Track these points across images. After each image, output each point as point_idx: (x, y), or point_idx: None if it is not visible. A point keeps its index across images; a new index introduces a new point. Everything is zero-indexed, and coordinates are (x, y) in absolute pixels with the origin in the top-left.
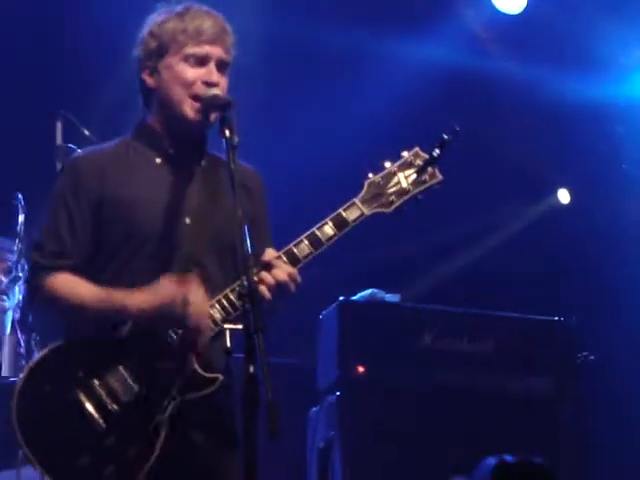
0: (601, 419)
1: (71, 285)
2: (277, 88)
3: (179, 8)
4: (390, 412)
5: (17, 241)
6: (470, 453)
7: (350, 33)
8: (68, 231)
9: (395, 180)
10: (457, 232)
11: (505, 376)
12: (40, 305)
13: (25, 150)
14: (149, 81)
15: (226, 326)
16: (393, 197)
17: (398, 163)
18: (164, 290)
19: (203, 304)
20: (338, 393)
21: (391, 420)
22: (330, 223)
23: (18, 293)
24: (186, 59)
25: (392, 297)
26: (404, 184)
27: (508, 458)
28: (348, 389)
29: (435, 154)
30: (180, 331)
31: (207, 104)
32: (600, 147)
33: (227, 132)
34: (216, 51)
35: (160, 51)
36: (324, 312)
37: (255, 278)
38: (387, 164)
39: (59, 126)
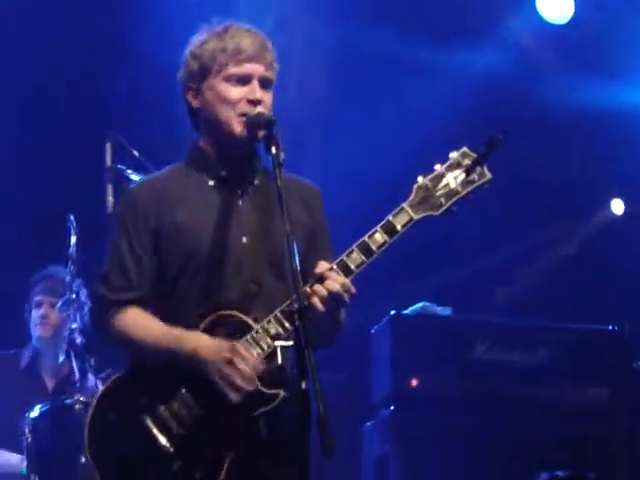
0: None
1: (142, 324)
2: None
3: (219, 28)
4: (444, 425)
5: (69, 263)
6: (525, 465)
7: (397, 43)
8: (132, 262)
9: (444, 182)
10: (509, 245)
11: (559, 386)
12: (112, 343)
13: (75, 172)
14: (194, 102)
15: (277, 343)
16: (442, 199)
17: (446, 164)
18: (224, 347)
19: (253, 375)
20: (392, 407)
21: (445, 433)
22: (380, 230)
23: (73, 319)
24: (228, 79)
25: (444, 310)
26: (453, 185)
27: (560, 474)
28: (402, 402)
29: (483, 152)
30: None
31: (252, 123)
32: None
33: (273, 149)
34: (257, 69)
35: (202, 72)
36: (376, 326)
37: (309, 290)
38: (436, 166)
39: (109, 147)
